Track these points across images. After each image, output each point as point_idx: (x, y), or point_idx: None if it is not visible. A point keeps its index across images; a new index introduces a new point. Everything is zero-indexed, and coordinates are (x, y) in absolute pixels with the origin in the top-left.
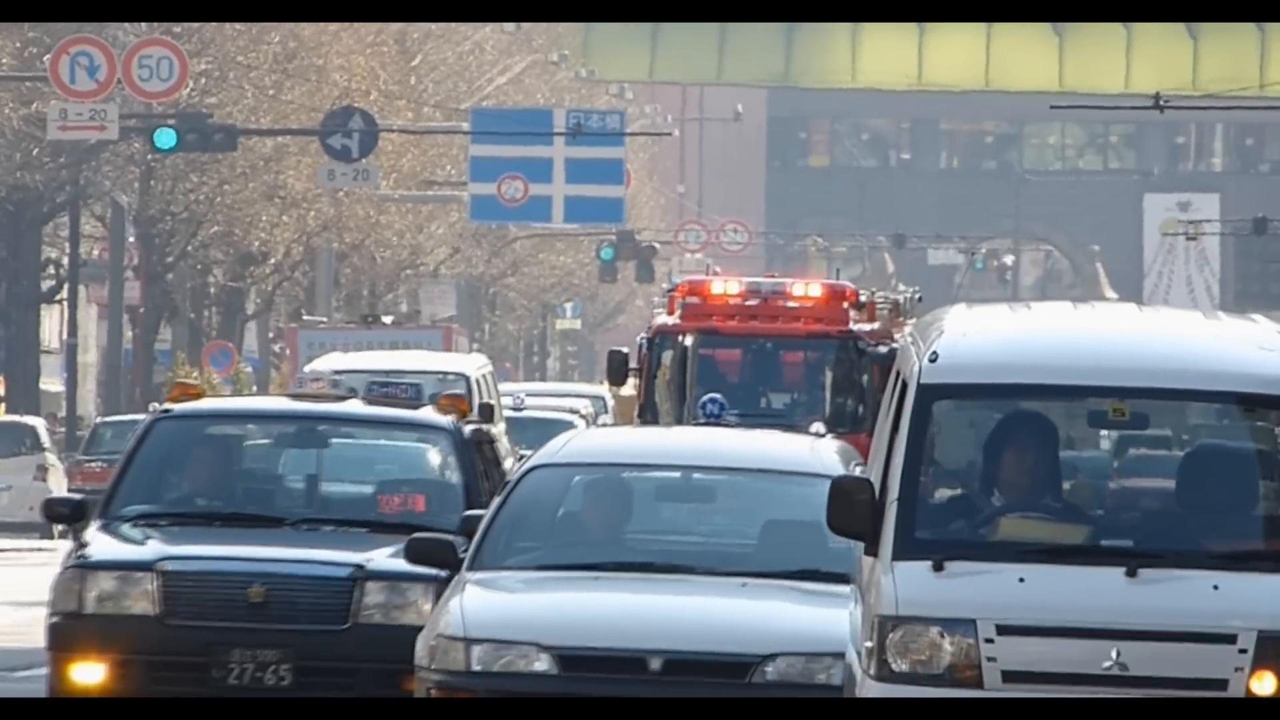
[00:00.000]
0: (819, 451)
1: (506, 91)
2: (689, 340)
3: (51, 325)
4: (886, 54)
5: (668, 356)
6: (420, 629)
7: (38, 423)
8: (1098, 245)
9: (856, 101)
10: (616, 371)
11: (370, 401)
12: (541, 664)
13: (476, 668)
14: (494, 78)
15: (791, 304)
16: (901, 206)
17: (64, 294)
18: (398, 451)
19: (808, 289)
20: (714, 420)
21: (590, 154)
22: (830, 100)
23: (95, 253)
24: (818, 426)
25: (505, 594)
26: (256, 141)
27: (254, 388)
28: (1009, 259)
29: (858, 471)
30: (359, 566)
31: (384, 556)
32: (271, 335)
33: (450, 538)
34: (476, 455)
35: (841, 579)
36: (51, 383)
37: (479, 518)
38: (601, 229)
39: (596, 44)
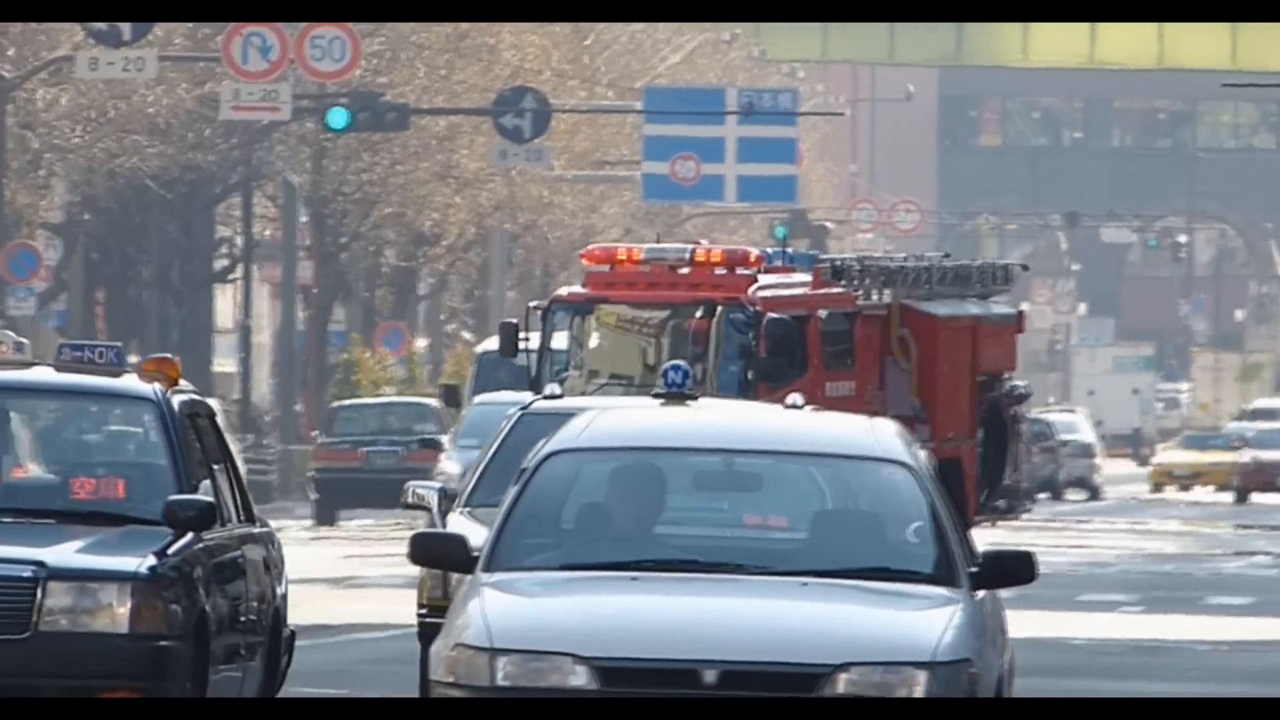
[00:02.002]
0: (877, 433)
1: (679, 71)
2: (578, 310)
3: (225, 306)
4: (1058, 32)
5: (562, 325)
6: (115, 636)
7: (212, 404)
8: (1272, 223)
9: (1028, 80)
10: (506, 342)
11: (60, 368)
12: (578, 677)
13: (503, 682)
14: (667, 56)
15: (689, 270)
16: (1074, 185)
17: (238, 274)
18: (93, 427)
19: (709, 255)
20: (677, 389)
21: (762, 133)
22: (1002, 79)
23: (268, 233)
24: (795, 398)
25: (533, 598)
26: (429, 121)
27: (427, 368)
28: (1182, 237)
29: (921, 455)
30: (40, 564)
31: (71, 552)
32: (444, 316)
33: (459, 533)
34: (190, 431)
35: (913, 577)
36: (225, 364)
37: (189, 504)
38: (774, 208)
39: (768, 24)
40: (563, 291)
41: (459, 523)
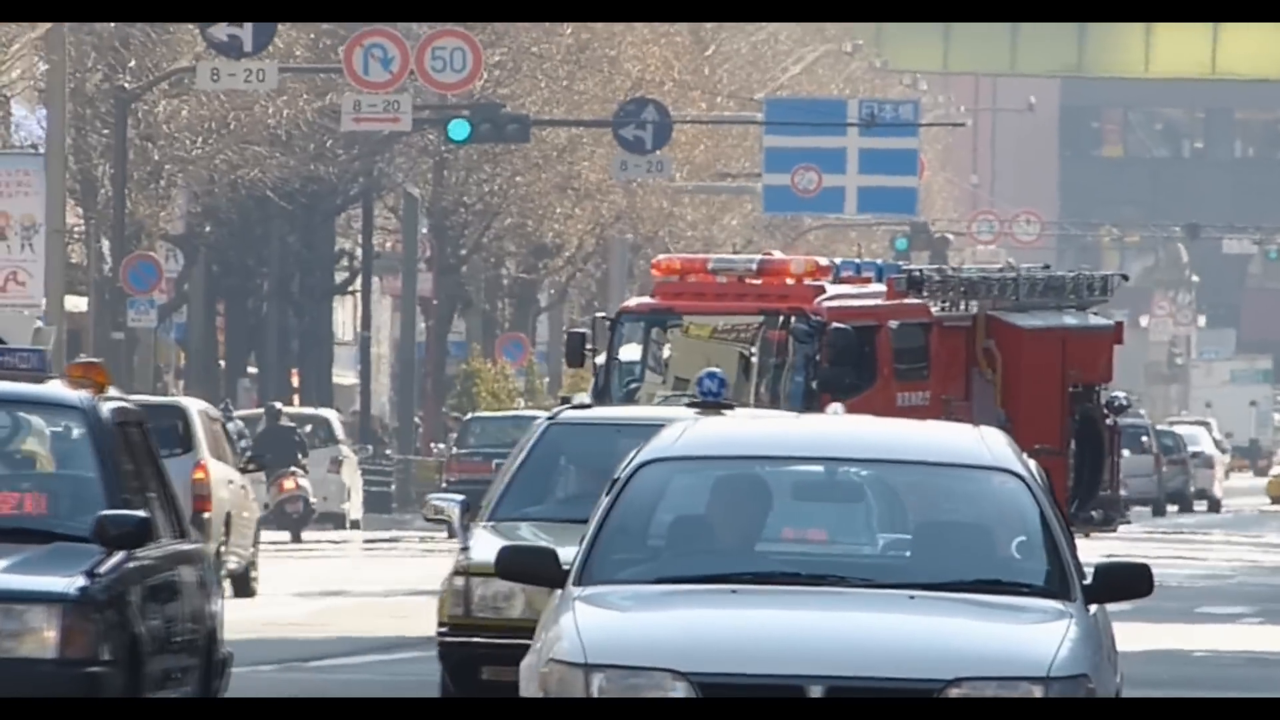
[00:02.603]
0: (987, 440)
1: (800, 82)
2: (644, 321)
3: (345, 317)
4: (1180, 43)
5: (631, 336)
6: (43, 662)
7: (331, 415)
8: None
9: (1150, 91)
10: (574, 352)
11: None
12: (677, 694)
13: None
14: (788, 67)
15: (758, 280)
16: (1195, 196)
17: (357, 286)
18: (15, 437)
19: (778, 265)
20: (713, 399)
21: (884, 144)
22: (1123, 90)
23: (388, 244)
24: (835, 407)
25: (628, 612)
26: (550, 132)
27: (546, 380)
28: None
29: (1032, 464)
30: None
31: None
32: (565, 328)
33: (549, 546)
34: (121, 442)
35: (1024, 590)
36: (344, 375)
37: (121, 520)
38: (895, 219)
39: (889, 34)
40: (630, 302)
41: (482, 538)
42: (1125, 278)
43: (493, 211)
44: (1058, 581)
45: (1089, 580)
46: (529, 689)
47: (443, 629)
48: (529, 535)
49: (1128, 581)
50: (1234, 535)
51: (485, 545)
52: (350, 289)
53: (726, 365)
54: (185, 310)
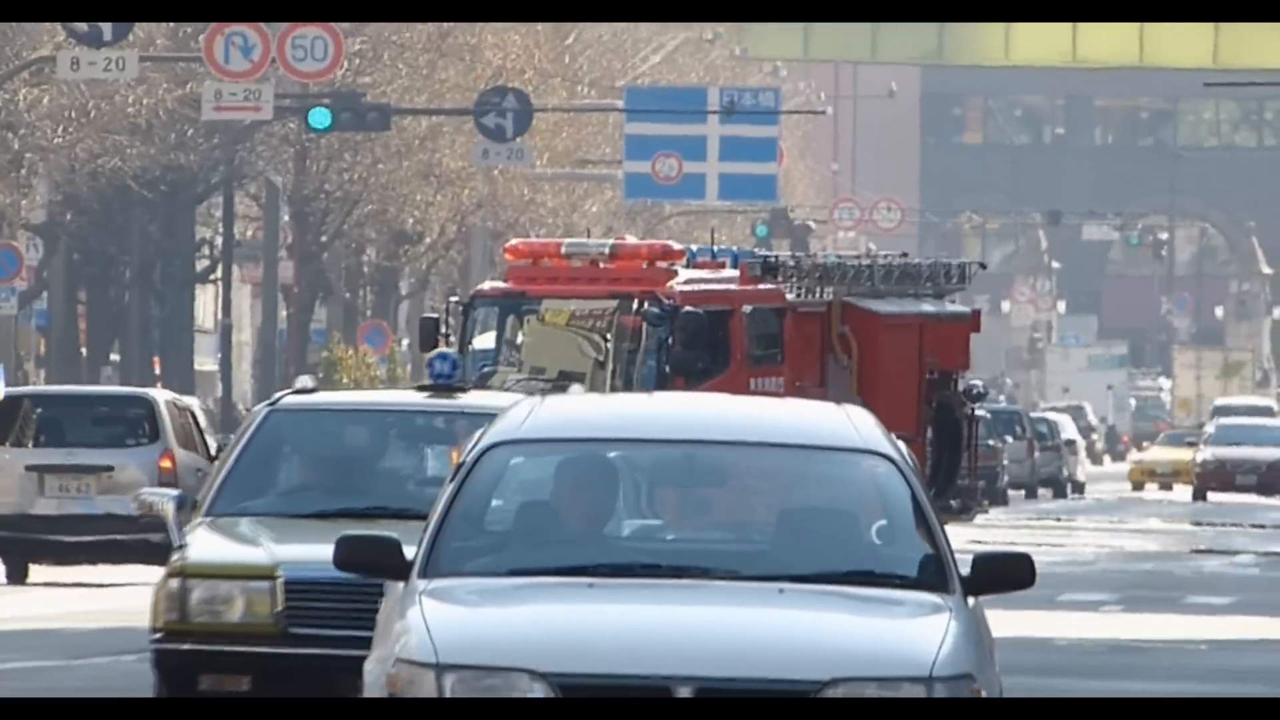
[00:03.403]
0: (855, 421)
1: (660, 70)
2: (497, 305)
3: (206, 305)
4: (1040, 31)
5: (484, 320)
6: None
7: (193, 403)
8: (1254, 221)
9: (1010, 78)
10: (427, 338)
11: None
12: (536, 695)
13: None
14: (648, 56)
15: (610, 264)
16: (1056, 183)
17: (218, 274)
18: None
19: (631, 249)
20: (444, 380)
21: (744, 132)
22: (984, 77)
23: (249, 233)
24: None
25: (479, 607)
26: (411, 121)
27: (409, 366)
28: (1164, 235)
29: (902, 447)
30: None
31: None
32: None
33: (393, 535)
34: None
35: (899, 582)
36: (206, 363)
37: None
38: (755, 207)
39: (750, 23)
40: (484, 286)
41: (200, 535)
42: (983, 265)
43: (354, 199)
44: (934, 573)
45: (966, 571)
46: (374, 691)
47: (156, 634)
48: (249, 532)
49: (1008, 572)
50: (1097, 520)
51: (203, 544)
52: (211, 277)
53: (581, 352)
54: (46, 298)
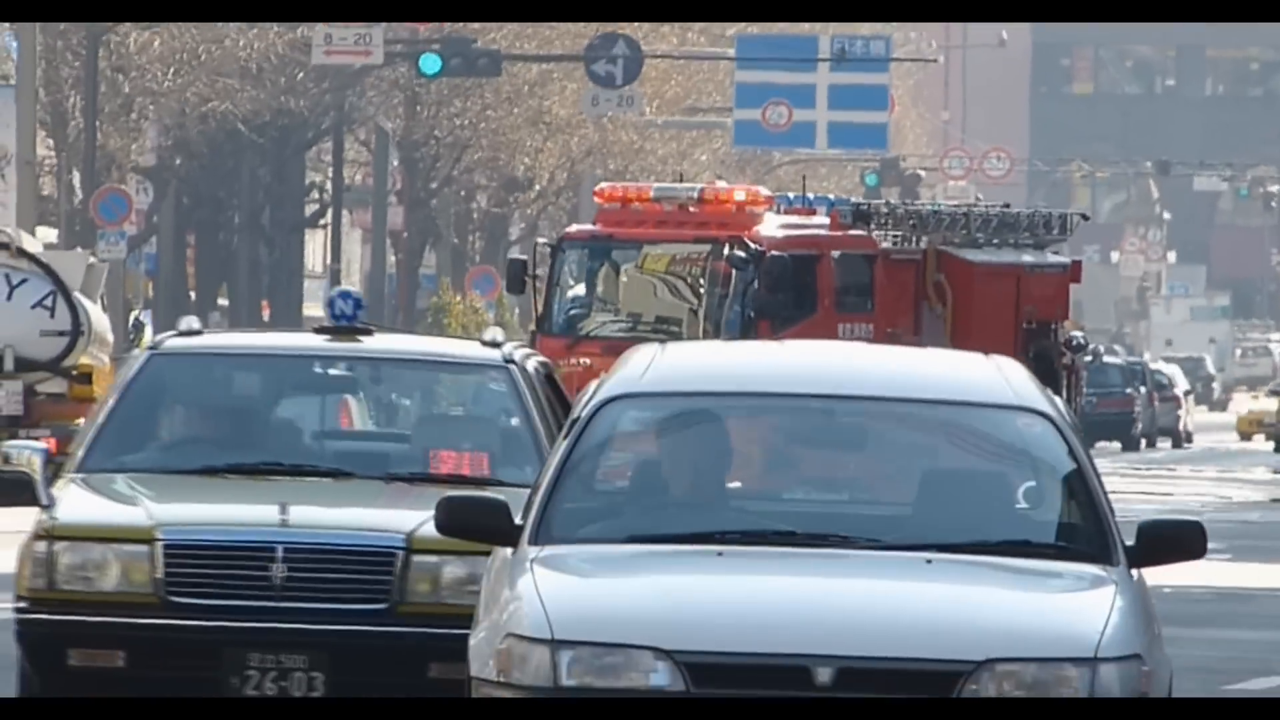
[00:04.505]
0: (1008, 375)
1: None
2: (585, 248)
3: (315, 250)
4: None
5: (572, 263)
6: None
7: None
8: None
9: (1121, 28)
10: (514, 279)
11: None
12: (661, 675)
13: (569, 681)
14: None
15: (699, 209)
16: (1166, 133)
17: (328, 219)
18: None
19: (719, 194)
20: (347, 320)
21: (854, 80)
22: (1095, 27)
23: (359, 178)
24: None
25: (597, 578)
26: (521, 67)
27: (516, 311)
28: (1274, 186)
29: (1060, 403)
30: None
31: None
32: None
33: (502, 498)
34: None
35: (1058, 553)
36: (314, 308)
37: None
38: (865, 155)
39: None
40: (572, 229)
41: (71, 493)
42: (1086, 217)
43: (463, 145)
44: (1096, 543)
45: (1131, 541)
46: (482, 670)
47: (21, 604)
48: (125, 490)
49: (1178, 542)
50: (1203, 470)
51: (74, 503)
52: (320, 222)
53: (678, 298)
54: (155, 242)
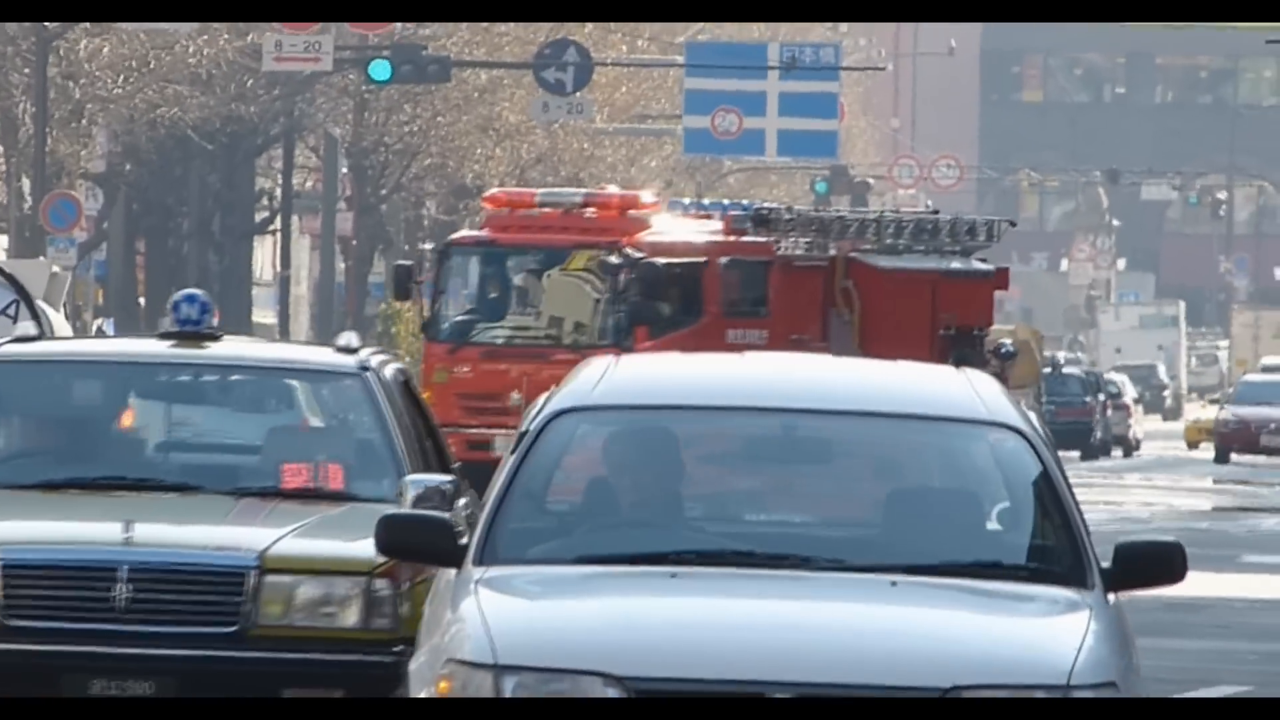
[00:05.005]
0: (978, 388)
1: (721, 24)
2: (471, 254)
3: (264, 257)
4: None
5: (459, 268)
6: None
7: None
8: None
9: (1070, 35)
10: (400, 285)
11: None
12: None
13: None
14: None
15: (584, 214)
16: (1115, 141)
17: (277, 225)
18: None
19: (605, 200)
20: (192, 326)
21: (804, 88)
22: (1044, 34)
23: (309, 184)
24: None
25: (544, 600)
26: (470, 74)
27: None
28: (1222, 195)
29: (1033, 418)
30: None
31: None
32: None
33: (444, 515)
34: None
35: (1030, 575)
36: (264, 314)
37: None
38: (815, 163)
39: None
40: (458, 234)
41: None
42: (1012, 223)
43: (413, 152)
44: (1071, 565)
45: (1108, 563)
46: (424, 693)
47: None
48: None
49: (1157, 565)
50: (1153, 479)
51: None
52: (270, 228)
53: (595, 302)
54: (105, 249)
